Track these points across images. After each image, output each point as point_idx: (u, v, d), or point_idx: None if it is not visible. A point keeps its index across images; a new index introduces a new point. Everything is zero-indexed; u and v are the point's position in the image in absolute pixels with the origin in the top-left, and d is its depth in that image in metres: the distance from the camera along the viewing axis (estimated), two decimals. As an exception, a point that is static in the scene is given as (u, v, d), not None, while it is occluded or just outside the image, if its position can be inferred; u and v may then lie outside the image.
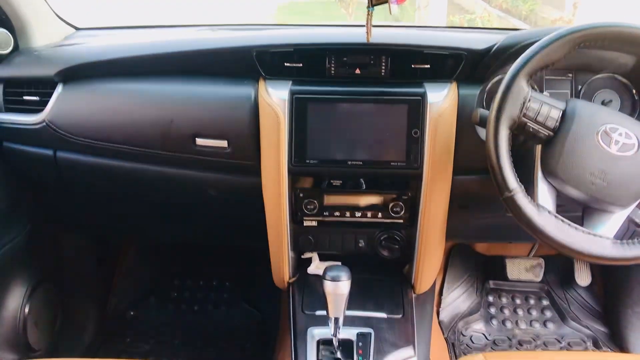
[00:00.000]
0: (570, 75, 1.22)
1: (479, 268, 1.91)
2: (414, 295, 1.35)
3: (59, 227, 1.65)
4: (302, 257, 1.42)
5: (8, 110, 1.35)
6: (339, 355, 1.16)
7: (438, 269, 1.45)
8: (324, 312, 1.16)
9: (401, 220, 1.28)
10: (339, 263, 1.29)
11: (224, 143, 1.23)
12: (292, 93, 1.19)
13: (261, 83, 1.21)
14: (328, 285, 1.10)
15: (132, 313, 1.88)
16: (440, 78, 1.21)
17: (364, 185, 1.28)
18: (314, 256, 1.41)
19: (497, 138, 1.01)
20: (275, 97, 1.19)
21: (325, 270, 1.12)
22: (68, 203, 1.55)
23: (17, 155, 1.37)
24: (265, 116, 1.19)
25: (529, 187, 1.06)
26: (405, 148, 1.18)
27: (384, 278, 1.38)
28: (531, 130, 1.02)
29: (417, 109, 1.17)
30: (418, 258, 1.30)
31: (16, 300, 1.46)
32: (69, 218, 1.63)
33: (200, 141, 1.23)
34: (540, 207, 1.01)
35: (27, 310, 1.48)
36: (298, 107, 1.18)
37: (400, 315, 1.26)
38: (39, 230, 1.50)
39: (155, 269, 1.98)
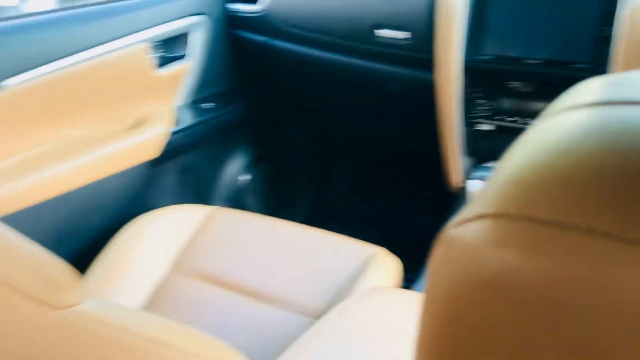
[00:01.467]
0: None
1: None
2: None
3: (276, 112, 1.85)
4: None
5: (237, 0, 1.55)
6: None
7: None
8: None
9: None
10: None
11: (402, 34, 1.24)
12: (474, -17, 1.13)
13: (446, -27, 1.18)
14: (470, 185, 1.07)
15: (339, 204, 2.05)
16: (656, -34, 1.00)
17: (544, 89, 1.16)
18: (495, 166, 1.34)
19: None
20: (455, -14, 1.14)
21: (472, 169, 1.08)
22: (281, 88, 1.74)
23: (242, 42, 1.58)
24: (443, 7, 1.16)
25: None
26: (591, 48, 1.04)
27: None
28: None
29: (611, 1, 1.01)
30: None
31: (235, 166, 1.73)
32: (282, 103, 1.82)
33: (380, 32, 1.26)
34: None
35: (243, 178, 1.75)
36: (477, -1, 1.12)
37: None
38: (257, 111, 1.72)
39: (367, 169, 2.10)
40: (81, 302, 0.52)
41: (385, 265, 1.06)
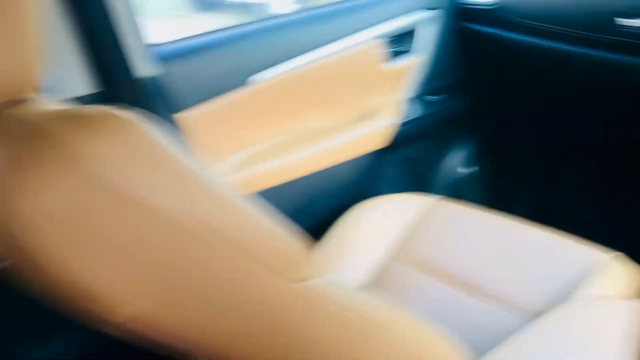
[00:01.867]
0: None
1: None
2: None
3: (503, 105, 1.80)
4: None
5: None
6: None
7: None
8: None
9: None
10: None
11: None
12: None
13: None
14: None
15: (566, 203, 1.92)
16: None
17: None
18: None
19: None
20: None
21: None
22: (509, 81, 1.69)
23: (470, 34, 1.57)
24: None
25: None
26: None
27: None
28: None
29: None
30: None
31: (457, 159, 1.74)
32: (509, 97, 1.76)
33: (623, 21, 1.16)
34: None
35: (464, 170, 1.75)
36: None
37: None
38: (483, 104, 1.69)
39: (599, 167, 1.93)
40: (313, 278, 0.58)
41: (619, 273, 0.98)
